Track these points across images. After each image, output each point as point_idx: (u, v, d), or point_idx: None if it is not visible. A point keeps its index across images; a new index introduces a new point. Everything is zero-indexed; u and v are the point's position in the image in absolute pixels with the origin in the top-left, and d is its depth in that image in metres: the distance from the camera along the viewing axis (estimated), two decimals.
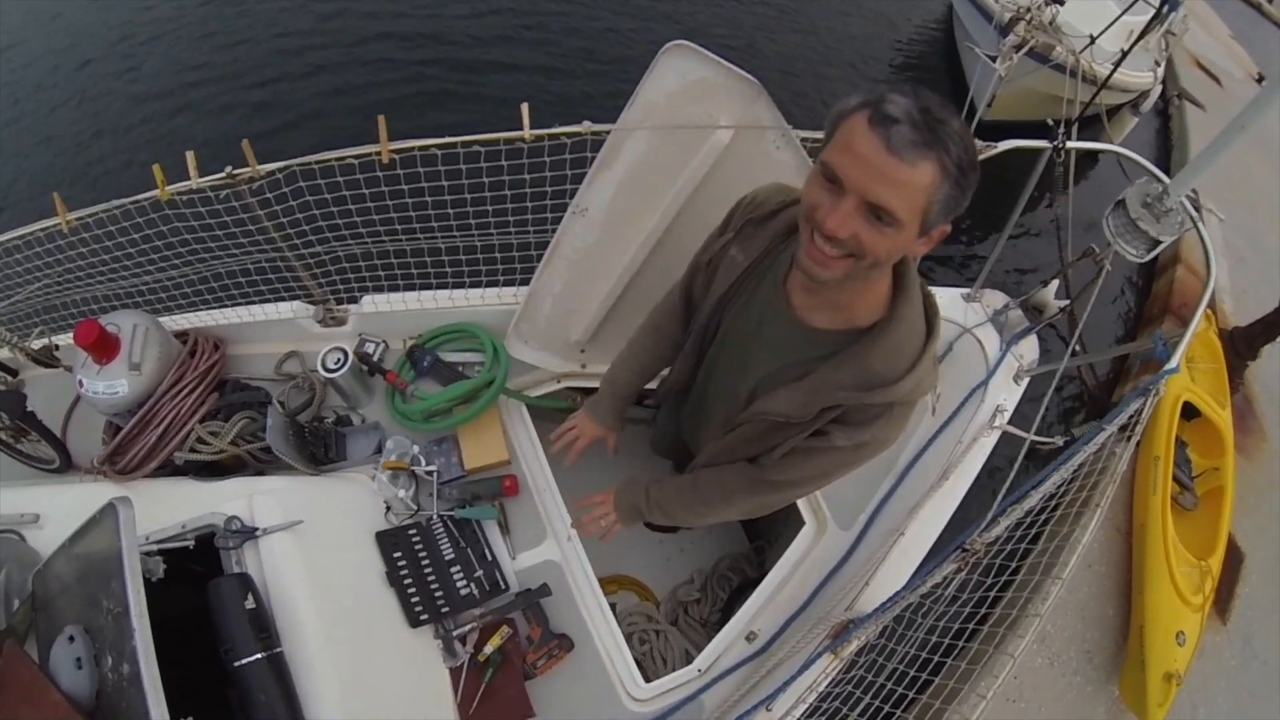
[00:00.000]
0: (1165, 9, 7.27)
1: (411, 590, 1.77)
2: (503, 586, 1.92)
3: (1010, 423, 2.33)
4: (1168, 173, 2.21)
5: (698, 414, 1.58)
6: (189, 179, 1.73)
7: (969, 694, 1.90)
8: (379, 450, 2.10)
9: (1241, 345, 5.64)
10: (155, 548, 1.39)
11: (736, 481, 1.41)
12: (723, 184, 1.79)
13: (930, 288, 1.20)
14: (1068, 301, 2.57)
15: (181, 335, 2.19)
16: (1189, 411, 4.76)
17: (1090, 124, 7.21)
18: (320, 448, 2.08)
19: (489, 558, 1.96)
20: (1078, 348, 2.24)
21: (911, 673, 1.85)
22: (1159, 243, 2.14)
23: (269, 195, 1.85)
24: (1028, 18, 6.58)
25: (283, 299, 2.34)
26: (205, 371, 2.10)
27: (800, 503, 2.21)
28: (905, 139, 0.87)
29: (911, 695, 1.79)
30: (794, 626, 2.01)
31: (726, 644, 1.99)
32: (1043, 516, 1.78)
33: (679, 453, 1.99)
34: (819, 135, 1.83)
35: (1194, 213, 2.15)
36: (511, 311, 2.15)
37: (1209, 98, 12.12)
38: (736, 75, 1.66)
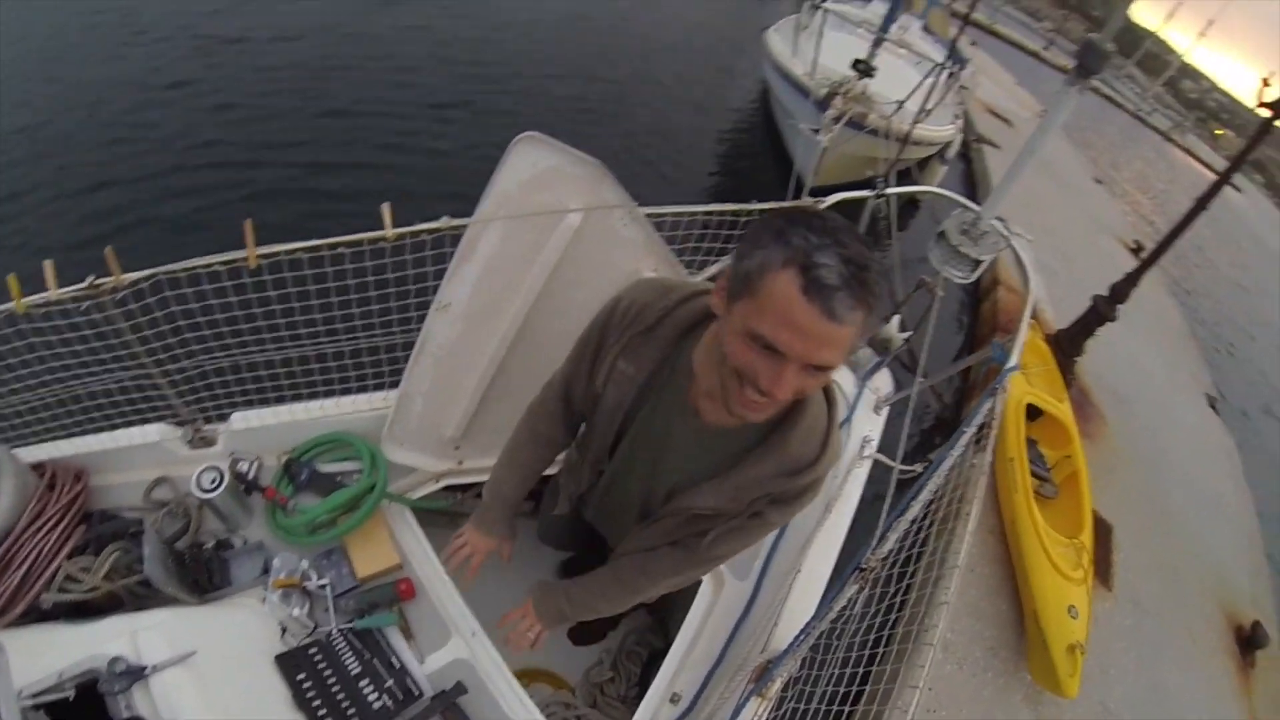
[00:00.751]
0: (955, 68, 8.43)
1: (322, 712, 1.66)
2: (416, 693, 1.83)
3: (880, 450, 2.47)
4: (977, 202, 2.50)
5: (607, 513, 1.60)
6: (46, 289, 1.61)
7: (900, 690, 1.97)
8: (266, 570, 1.98)
9: (1067, 345, 6.35)
10: (31, 703, 1.25)
11: (664, 566, 1.42)
12: (576, 266, 1.87)
13: None
14: (909, 333, 2.77)
15: (38, 467, 1.97)
16: (1033, 413, 5.23)
17: (905, 177, 7.90)
18: (203, 575, 1.94)
19: (396, 665, 1.86)
20: (923, 375, 2.45)
21: (840, 690, 1.92)
22: (979, 263, 2.34)
23: (133, 306, 1.74)
24: (842, 91, 7.25)
25: (148, 420, 2.18)
26: (68, 505, 1.89)
27: None
28: (845, 305, 0.89)
29: (846, 710, 1.85)
30: (714, 680, 2.03)
31: (651, 711, 1.96)
32: (927, 522, 1.90)
33: (579, 542, 1.99)
34: (660, 210, 1.98)
35: (1005, 232, 2.38)
36: (384, 416, 2.11)
37: (1003, 138, 14.16)
38: (582, 160, 1.75)
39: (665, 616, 2.79)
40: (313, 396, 2.22)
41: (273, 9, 9.03)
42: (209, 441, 2.16)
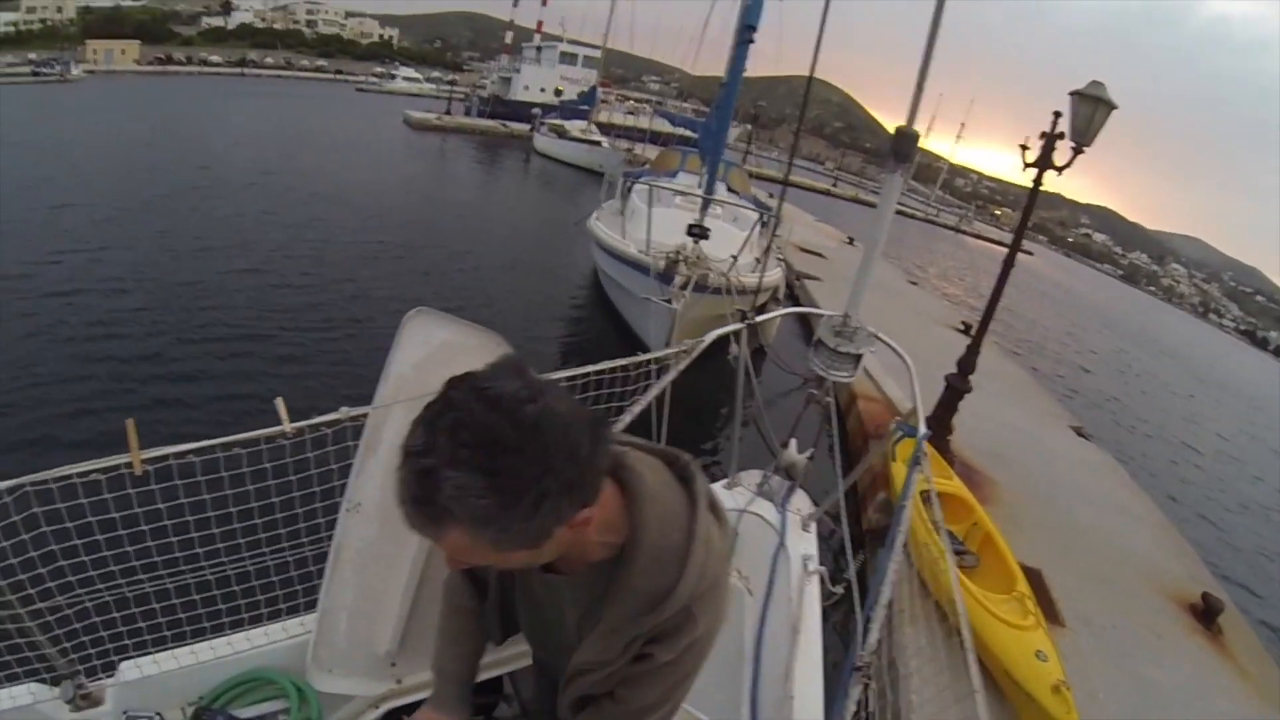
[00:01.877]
0: (767, 220, 9.49)
1: None
2: None
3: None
4: (809, 333, 2.75)
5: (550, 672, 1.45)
6: None
7: None
8: None
9: (937, 428, 6.84)
10: None
11: None
12: None
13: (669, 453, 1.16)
14: (810, 451, 2.93)
15: None
16: (928, 499, 5.47)
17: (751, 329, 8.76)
18: None
19: None
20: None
21: None
22: (859, 358, 2.46)
23: None
24: (682, 258, 7.84)
25: (15, 679, 1.76)
26: None
27: None
28: (413, 523, 0.85)
29: None
30: None
31: None
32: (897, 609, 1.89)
33: None
34: (557, 374, 1.91)
35: (869, 328, 2.52)
36: (306, 643, 1.85)
37: (820, 268, 15.98)
38: (476, 330, 1.71)
39: None
40: (218, 632, 1.91)
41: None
42: (94, 700, 1.78)
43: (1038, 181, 6.61)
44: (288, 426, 1.57)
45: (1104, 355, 24.98)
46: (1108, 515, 7.63)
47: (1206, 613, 5.96)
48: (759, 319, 2.72)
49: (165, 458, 1.50)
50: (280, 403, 1.57)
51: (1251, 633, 6.29)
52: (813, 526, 2.73)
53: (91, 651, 1.83)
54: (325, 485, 1.75)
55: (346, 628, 1.84)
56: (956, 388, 7.06)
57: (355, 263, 11.27)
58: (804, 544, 2.64)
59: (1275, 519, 13.24)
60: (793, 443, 2.91)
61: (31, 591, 1.63)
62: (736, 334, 2.77)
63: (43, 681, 1.77)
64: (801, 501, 2.82)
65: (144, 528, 1.66)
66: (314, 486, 1.75)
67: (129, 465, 1.46)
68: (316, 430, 1.62)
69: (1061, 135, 6.38)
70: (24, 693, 1.74)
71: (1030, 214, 7.18)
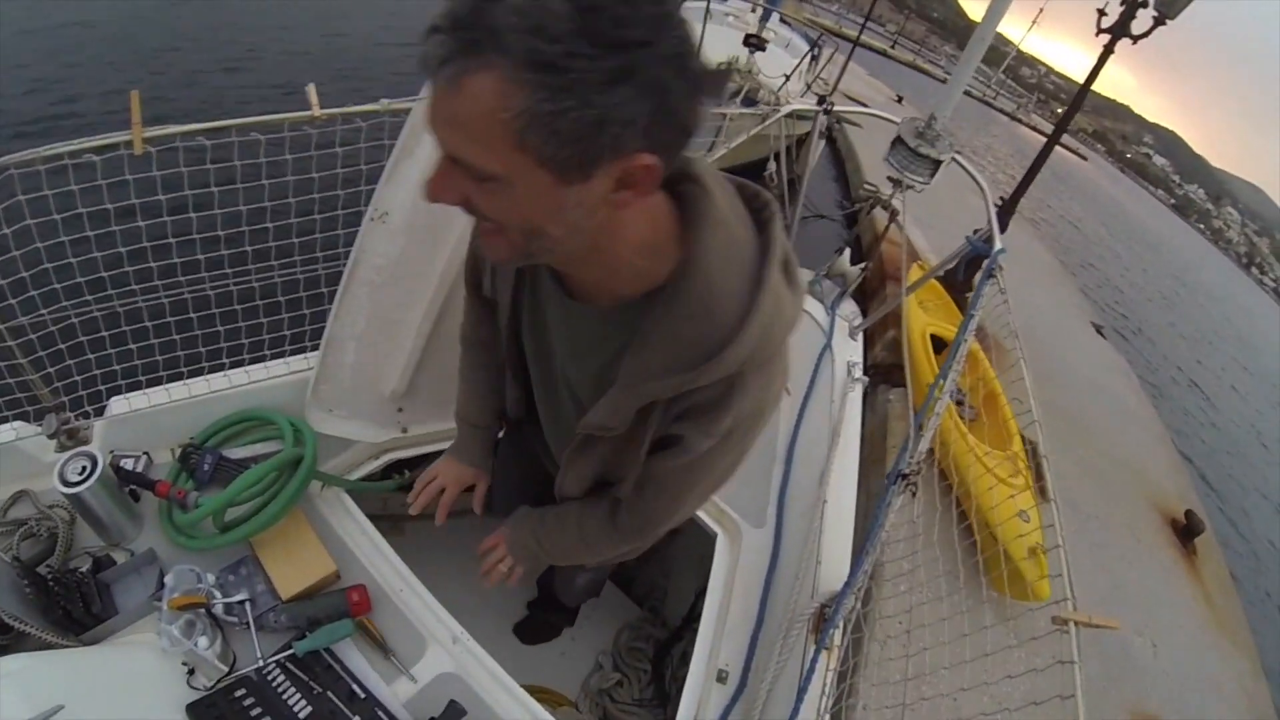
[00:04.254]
0: (818, 53, 9.00)
1: None
2: None
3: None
4: (844, 179, 2.61)
5: (556, 435, 1.25)
6: None
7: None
8: (162, 588, 1.47)
9: (957, 282, 6.67)
10: None
11: (595, 529, 1.13)
12: None
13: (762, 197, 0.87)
14: (864, 264, 2.83)
15: None
16: (939, 346, 5.37)
17: (789, 155, 8.55)
18: (77, 606, 1.43)
19: (362, 695, 1.41)
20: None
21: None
22: (939, 164, 2.30)
23: None
24: (735, 68, 7.56)
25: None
26: None
27: (702, 515, 2.00)
28: (436, 54, 0.58)
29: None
30: (761, 644, 1.74)
31: (697, 698, 1.63)
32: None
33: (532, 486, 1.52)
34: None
35: (952, 138, 2.34)
36: (309, 380, 1.69)
37: (862, 119, 15.13)
38: None
39: (658, 605, 2.59)
40: (216, 366, 1.77)
41: None
42: (80, 439, 1.66)
43: (1108, 49, 6.12)
44: (318, 112, 1.37)
45: (1140, 277, 24.59)
46: (1112, 415, 7.64)
47: (1187, 530, 6.05)
48: (838, 109, 2.54)
49: (171, 138, 1.31)
50: (312, 88, 1.36)
51: (1224, 565, 6.40)
52: (860, 336, 2.70)
53: (78, 378, 1.70)
54: (350, 189, 1.55)
55: (354, 360, 1.68)
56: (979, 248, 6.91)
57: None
58: (850, 350, 2.61)
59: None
60: (846, 251, 2.86)
61: (13, 302, 1.46)
62: (785, 153, 2.58)
63: (26, 419, 1.66)
64: (850, 310, 2.79)
65: (140, 224, 1.47)
66: (338, 189, 1.55)
67: (129, 145, 1.27)
68: (350, 121, 1.42)
69: (1145, 3, 5.83)
70: (8, 431, 1.61)
71: (1089, 86, 6.71)
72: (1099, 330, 10.44)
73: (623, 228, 0.76)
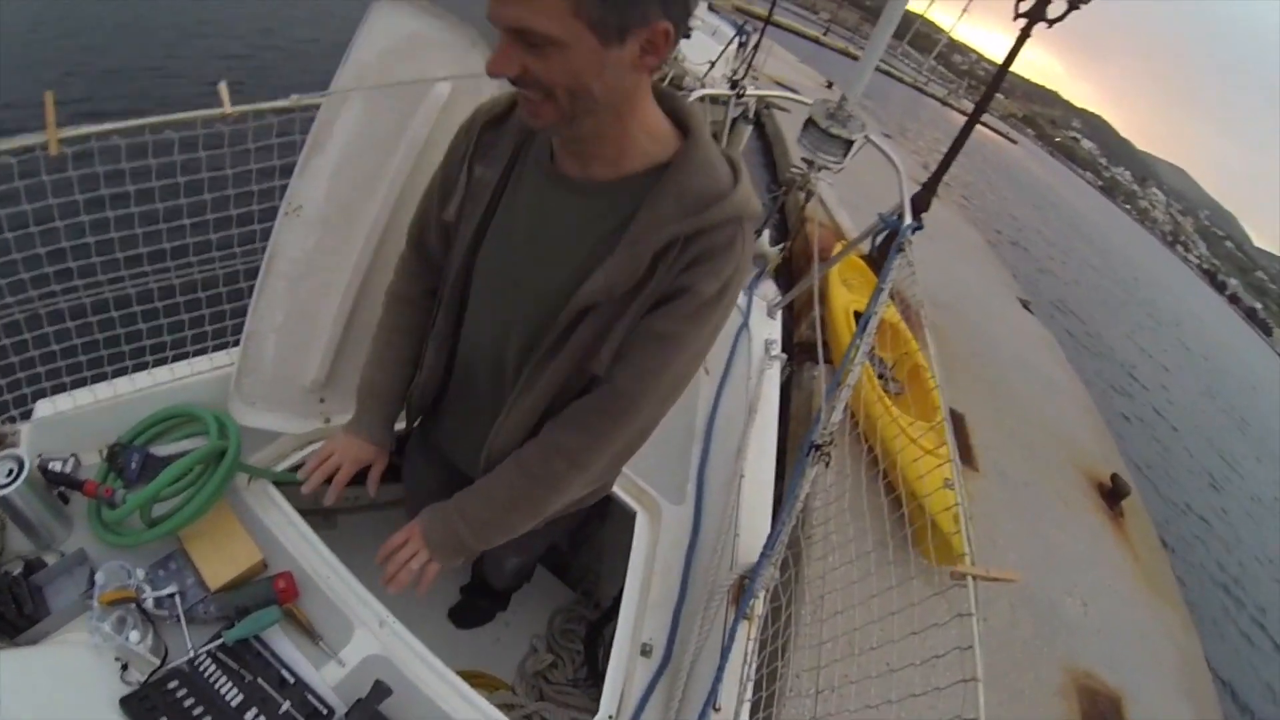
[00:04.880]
0: (745, 40, 9.20)
1: None
2: (324, 710, 1.41)
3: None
4: (773, 164, 2.66)
5: (488, 391, 1.22)
6: None
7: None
8: (93, 586, 1.48)
9: (881, 260, 6.91)
10: None
11: (570, 429, 1.10)
12: (444, 147, 1.60)
13: None
14: (783, 245, 2.90)
15: None
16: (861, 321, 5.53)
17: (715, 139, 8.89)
18: (8, 607, 1.44)
19: (291, 680, 1.43)
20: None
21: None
22: (850, 144, 2.36)
23: None
24: None
25: None
26: None
27: (621, 494, 2.02)
28: None
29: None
30: (684, 618, 1.79)
31: (623, 672, 1.67)
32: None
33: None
34: None
35: (863, 119, 2.40)
36: (231, 376, 1.71)
37: (790, 104, 15.51)
38: (451, 23, 1.52)
39: (590, 588, 2.61)
40: (140, 365, 1.77)
41: None
42: (8, 444, 1.65)
43: (1025, 33, 6.42)
44: (229, 109, 1.39)
45: (1065, 254, 25.41)
46: (1039, 387, 7.93)
47: (1113, 493, 6.35)
48: (752, 91, 2.59)
49: (86, 138, 1.32)
50: (223, 86, 1.39)
51: (1149, 523, 6.74)
52: (778, 315, 2.75)
53: (2, 383, 1.71)
54: (265, 185, 1.57)
55: (274, 352, 1.70)
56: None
57: None
58: (768, 329, 2.66)
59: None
60: (765, 233, 2.89)
61: None
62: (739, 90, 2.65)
63: None
64: (769, 289, 2.84)
65: (58, 224, 1.48)
66: (252, 185, 1.57)
67: (44, 146, 1.27)
68: (261, 117, 1.45)
69: None
70: None
71: (1009, 66, 7.01)
72: (1026, 305, 10.82)
73: (640, 105, 0.95)
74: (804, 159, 2.47)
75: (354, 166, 1.56)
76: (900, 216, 2.17)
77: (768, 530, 1.84)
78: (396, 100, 1.52)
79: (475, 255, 1.12)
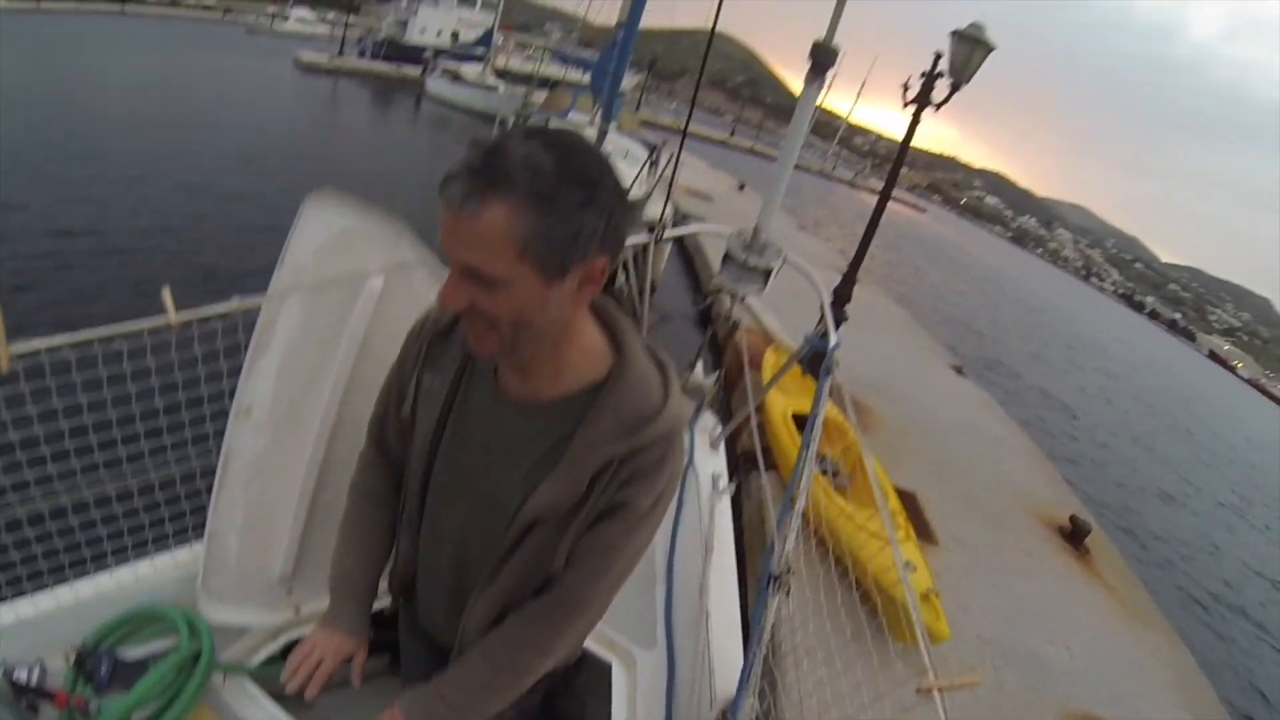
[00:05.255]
0: (656, 158, 9.64)
1: None
2: None
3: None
4: (694, 277, 2.76)
5: (454, 577, 1.27)
6: None
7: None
8: None
9: (813, 359, 7.16)
10: None
11: (529, 627, 1.15)
12: (386, 340, 1.60)
13: None
14: (718, 373, 2.98)
15: None
16: (801, 423, 5.57)
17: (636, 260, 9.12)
18: None
19: None
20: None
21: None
22: (769, 271, 2.44)
23: None
24: None
25: None
26: None
27: (594, 646, 2.02)
28: (460, 192, 0.82)
29: None
30: None
31: None
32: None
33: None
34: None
35: (778, 245, 2.50)
36: (197, 573, 1.70)
37: (707, 210, 16.54)
38: (378, 217, 1.62)
39: None
40: (101, 565, 1.75)
41: None
42: None
43: (915, 118, 6.92)
44: (173, 318, 1.42)
45: (989, 309, 26.46)
46: (983, 446, 8.16)
47: (1074, 534, 6.49)
48: (668, 234, 2.70)
49: (37, 353, 1.34)
50: (166, 292, 1.42)
51: (1115, 552, 6.89)
52: (721, 446, 2.75)
53: None
54: (214, 387, 1.61)
55: (237, 550, 1.71)
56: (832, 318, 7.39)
57: (237, 198, 10.94)
58: (713, 463, 2.65)
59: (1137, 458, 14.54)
60: (699, 365, 2.95)
61: None
62: (632, 261, 2.76)
63: None
64: (709, 422, 2.85)
65: (12, 437, 1.49)
66: (202, 388, 1.61)
67: None
68: (205, 323, 1.49)
69: (941, 74, 6.67)
70: None
71: (905, 152, 7.60)
72: (959, 370, 11.20)
73: (576, 328, 1.02)
74: (728, 291, 2.57)
75: (299, 364, 1.63)
76: (825, 337, 2.27)
77: (741, 662, 1.81)
78: (334, 296, 1.61)
79: (434, 456, 1.19)
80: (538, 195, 0.82)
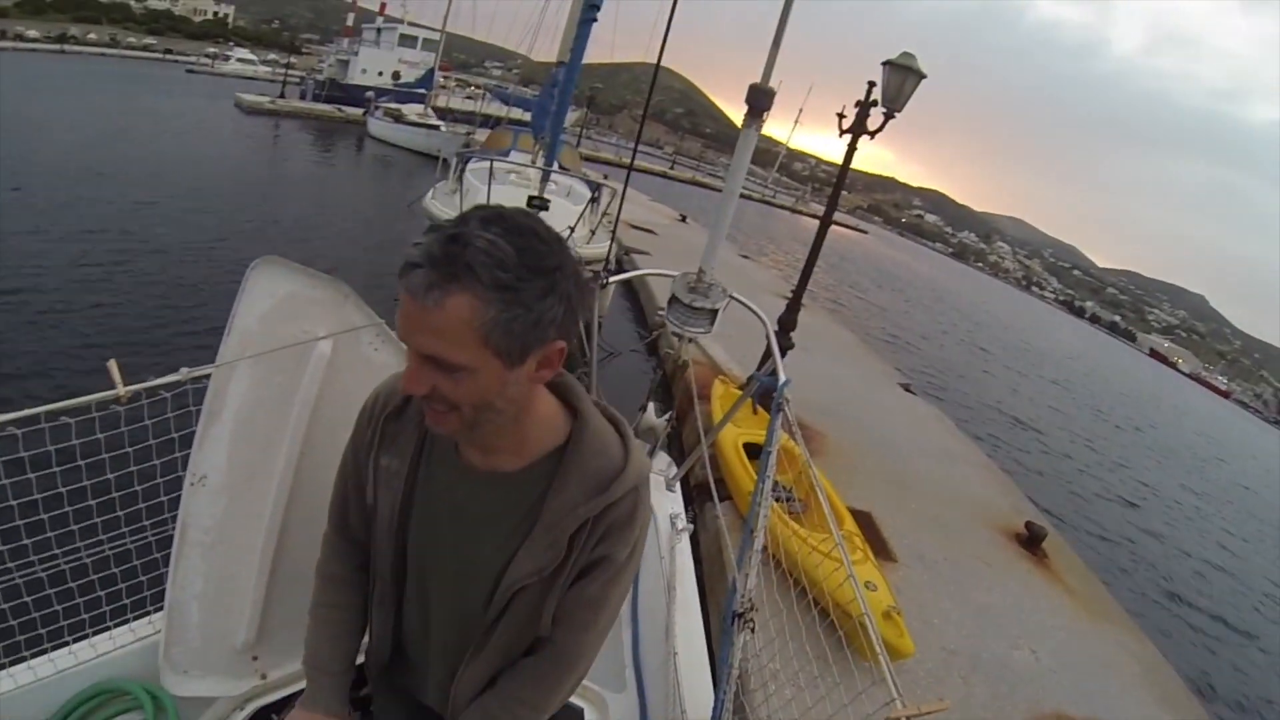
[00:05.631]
0: (598, 196, 9.78)
1: None
2: None
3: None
4: (639, 311, 2.77)
5: (441, 648, 1.28)
6: None
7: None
8: None
9: (760, 393, 7.31)
10: None
11: (522, 690, 1.18)
12: (337, 403, 1.67)
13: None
14: (670, 413, 3.01)
15: None
16: (753, 452, 5.74)
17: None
18: None
19: None
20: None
21: None
22: (715, 311, 2.50)
23: None
24: None
25: None
26: None
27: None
28: (422, 282, 0.82)
29: None
30: None
31: None
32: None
33: None
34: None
35: (722, 285, 2.57)
36: (158, 644, 1.68)
37: (650, 244, 16.85)
38: (323, 280, 1.64)
39: None
40: (58, 643, 1.72)
41: None
42: None
43: (852, 146, 7.09)
44: (122, 390, 1.42)
45: (933, 325, 27.09)
46: (936, 461, 8.28)
47: (1031, 540, 6.65)
48: (613, 279, 2.73)
49: None
50: (113, 364, 1.42)
51: (1074, 555, 7.05)
52: (677, 486, 2.77)
53: None
54: (166, 458, 1.61)
55: (199, 620, 1.69)
56: (778, 345, 7.45)
57: (182, 252, 10.72)
58: (670, 503, 2.67)
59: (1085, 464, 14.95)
60: (650, 406, 2.97)
61: None
62: (601, 281, 2.76)
63: None
64: (663, 462, 2.87)
65: None
66: (154, 460, 1.61)
67: None
68: (155, 394, 1.49)
69: (875, 103, 6.84)
70: None
71: (844, 179, 7.71)
72: (908, 389, 11.43)
73: (535, 405, 1.05)
74: (674, 333, 2.61)
75: (252, 431, 1.63)
76: (774, 374, 2.33)
77: (711, 699, 1.84)
78: (283, 361, 1.62)
79: (403, 536, 1.20)
80: (500, 286, 0.83)
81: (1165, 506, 14.80)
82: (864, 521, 5.78)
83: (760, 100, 2.33)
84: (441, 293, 0.82)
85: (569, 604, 1.12)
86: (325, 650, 1.35)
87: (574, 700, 2.02)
